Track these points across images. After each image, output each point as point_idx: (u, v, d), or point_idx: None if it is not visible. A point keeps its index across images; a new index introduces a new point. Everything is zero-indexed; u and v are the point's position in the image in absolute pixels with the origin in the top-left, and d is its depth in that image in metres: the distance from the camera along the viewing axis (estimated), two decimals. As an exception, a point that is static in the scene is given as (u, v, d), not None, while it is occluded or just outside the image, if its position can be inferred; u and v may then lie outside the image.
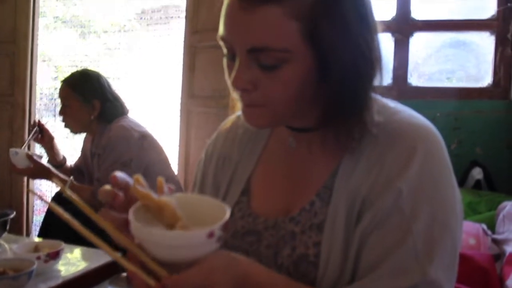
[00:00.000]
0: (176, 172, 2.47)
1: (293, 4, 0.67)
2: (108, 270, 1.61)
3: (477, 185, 2.35)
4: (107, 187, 0.66)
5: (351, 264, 0.72)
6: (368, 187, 0.73)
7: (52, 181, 2.29)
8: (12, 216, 1.77)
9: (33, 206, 3.26)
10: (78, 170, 2.45)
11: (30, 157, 2.18)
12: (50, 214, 2.27)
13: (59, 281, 1.46)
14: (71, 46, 3.66)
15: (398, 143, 0.73)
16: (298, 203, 0.81)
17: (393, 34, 2.63)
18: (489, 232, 1.86)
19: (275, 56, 0.69)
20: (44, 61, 3.66)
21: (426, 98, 2.60)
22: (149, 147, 2.20)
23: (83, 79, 2.22)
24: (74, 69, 2.56)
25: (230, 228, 0.85)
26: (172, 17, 3.32)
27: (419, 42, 2.70)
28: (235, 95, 0.76)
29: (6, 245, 1.72)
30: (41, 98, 3.58)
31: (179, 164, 2.72)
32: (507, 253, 1.66)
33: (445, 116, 2.52)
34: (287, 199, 0.83)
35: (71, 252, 1.69)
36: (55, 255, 1.49)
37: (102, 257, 1.60)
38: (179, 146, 2.73)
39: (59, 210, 0.64)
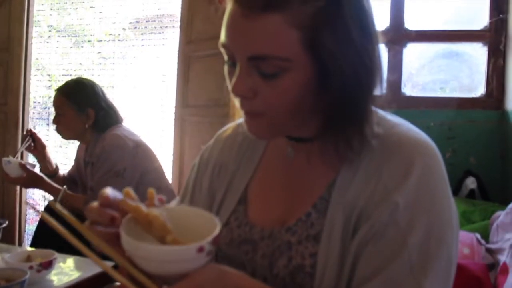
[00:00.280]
0: (170, 181, 2.46)
1: (295, 13, 0.67)
2: (101, 280, 1.59)
3: (471, 194, 2.36)
4: (95, 204, 0.66)
5: (347, 275, 0.71)
6: (365, 199, 0.73)
7: (45, 191, 2.28)
8: (4, 225, 1.76)
9: (26, 216, 3.22)
10: (71, 179, 2.43)
11: (23, 166, 2.16)
12: (42, 224, 2.25)
13: (52, 291, 1.45)
14: (65, 55, 3.66)
15: (396, 156, 0.73)
16: (295, 213, 0.80)
17: (386, 45, 2.65)
18: (483, 241, 1.87)
19: (276, 64, 0.69)
20: (38, 69, 3.66)
21: (420, 108, 2.62)
22: (143, 156, 2.19)
23: (78, 88, 2.21)
24: (68, 78, 2.55)
25: (226, 237, 0.85)
26: (166, 26, 3.32)
27: (412, 52, 2.73)
28: (236, 102, 0.76)
29: (-2, 255, 1.70)
30: (34, 107, 3.57)
31: (173, 173, 2.72)
32: (501, 263, 1.66)
33: (438, 125, 2.54)
34: (284, 209, 0.83)
35: (64, 261, 1.68)
36: (47, 265, 1.48)
37: (95, 267, 1.57)
38: (173, 155, 2.73)
39: (51, 220, 0.64)
